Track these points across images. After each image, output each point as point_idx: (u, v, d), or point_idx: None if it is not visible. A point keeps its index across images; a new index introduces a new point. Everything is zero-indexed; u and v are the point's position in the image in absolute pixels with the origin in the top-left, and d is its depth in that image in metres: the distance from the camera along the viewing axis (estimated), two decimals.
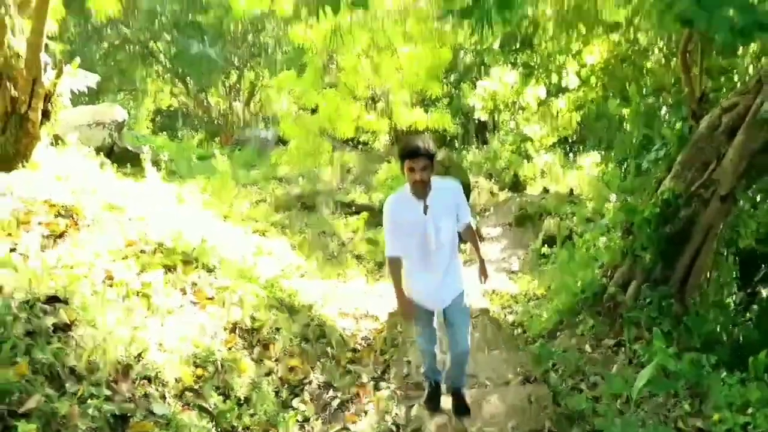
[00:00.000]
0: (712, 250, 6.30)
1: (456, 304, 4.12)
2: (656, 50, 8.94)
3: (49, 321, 3.38)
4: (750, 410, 4.20)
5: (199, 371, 3.98)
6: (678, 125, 6.62)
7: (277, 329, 5.21)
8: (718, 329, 5.82)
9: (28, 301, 3.39)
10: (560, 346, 5.79)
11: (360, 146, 20.36)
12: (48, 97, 6.87)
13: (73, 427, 2.88)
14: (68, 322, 3.49)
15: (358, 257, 10.57)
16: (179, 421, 3.38)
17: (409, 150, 3.74)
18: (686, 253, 6.13)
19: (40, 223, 5.16)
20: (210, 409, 3.71)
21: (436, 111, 13.53)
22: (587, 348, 5.70)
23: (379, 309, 7.51)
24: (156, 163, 9.40)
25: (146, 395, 3.45)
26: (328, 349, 5.49)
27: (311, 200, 13.23)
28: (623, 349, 5.55)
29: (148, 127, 28.53)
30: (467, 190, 14.48)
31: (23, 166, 6.77)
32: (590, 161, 15.98)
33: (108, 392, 3.23)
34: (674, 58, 8.18)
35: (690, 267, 6.17)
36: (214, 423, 3.64)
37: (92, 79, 7.31)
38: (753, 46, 7.45)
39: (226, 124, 27.04)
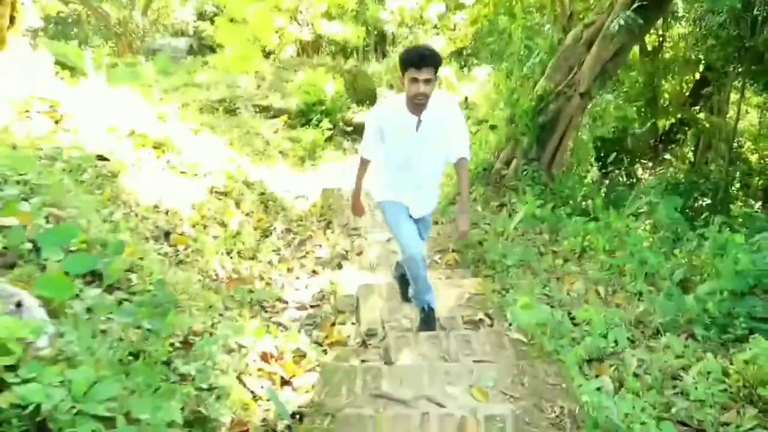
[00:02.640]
0: (572, 136, 8.16)
1: (426, 219, 4.12)
2: None
3: (104, 170, 4.69)
4: (588, 237, 6.08)
5: (201, 212, 5.39)
6: (551, 37, 8.31)
7: (242, 194, 6.64)
8: (573, 192, 7.70)
9: (86, 157, 4.67)
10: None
11: (268, 57, 21.21)
12: (13, 5, 7.69)
13: (161, 229, 4.28)
14: (115, 172, 4.81)
15: (282, 153, 11.92)
16: (201, 238, 4.83)
17: (414, 58, 3.34)
18: (554, 138, 7.97)
19: (38, 112, 6.26)
20: (215, 236, 5.16)
21: (345, 23, 14.75)
22: (479, 209, 7.46)
23: (308, 191, 8.98)
24: (98, 67, 10.23)
25: (173, 223, 4.85)
26: (281, 210, 6.98)
27: (232, 105, 14.29)
28: (505, 207, 7.36)
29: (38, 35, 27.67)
30: (373, 96, 15.99)
31: None
32: (483, 73, 17.71)
33: (151, 217, 4.62)
34: None
35: (557, 148, 8.03)
36: (221, 244, 5.12)
37: None
38: None
39: (124, 33, 26.86)
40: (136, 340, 2.41)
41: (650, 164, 13.41)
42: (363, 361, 3.48)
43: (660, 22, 12.75)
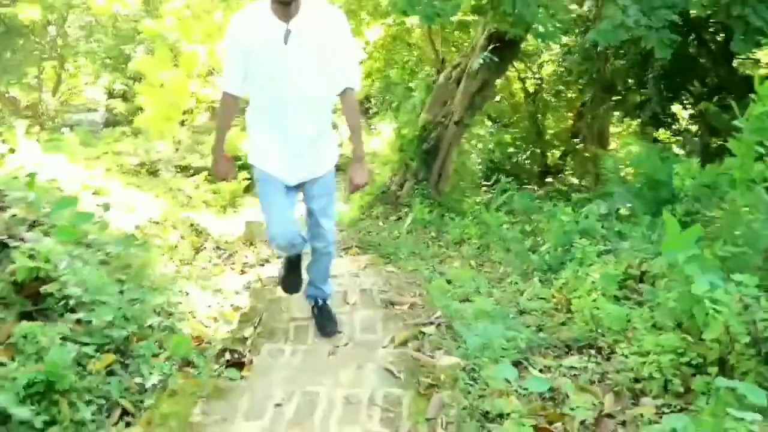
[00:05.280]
0: (454, 159, 9.71)
1: (320, 185, 3.20)
2: (417, 30, 12.29)
3: (99, 201, 5.79)
4: (466, 230, 7.49)
5: (144, 231, 6.50)
6: (428, 79, 9.96)
7: (175, 223, 7.76)
8: (458, 204, 9.18)
9: (49, 183, 5.76)
10: (364, 223, 8.88)
11: (183, 124, 22.42)
12: None
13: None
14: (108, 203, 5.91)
15: (205, 202, 13.05)
16: (147, 244, 5.94)
17: None
18: (438, 161, 9.49)
19: None
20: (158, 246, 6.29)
21: None
22: (380, 223, 8.83)
23: (231, 231, 10.12)
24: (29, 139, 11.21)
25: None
26: (210, 237, 8.13)
27: (153, 167, 15.37)
28: (400, 220, 8.75)
29: None
30: None
31: None
32: (387, 127, 19.48)
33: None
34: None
35: (441, 169, 9.55)
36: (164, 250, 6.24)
37: None
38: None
39: (35, 116, 27.47)
40: (126, 263, 3.58)
41: (535, 188, 15.24)
42: None
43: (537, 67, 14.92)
